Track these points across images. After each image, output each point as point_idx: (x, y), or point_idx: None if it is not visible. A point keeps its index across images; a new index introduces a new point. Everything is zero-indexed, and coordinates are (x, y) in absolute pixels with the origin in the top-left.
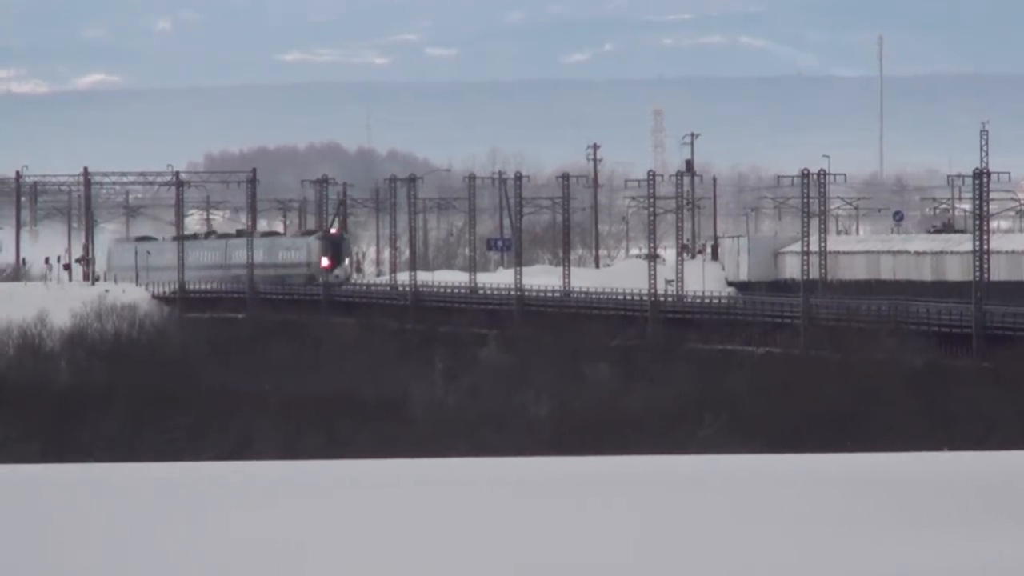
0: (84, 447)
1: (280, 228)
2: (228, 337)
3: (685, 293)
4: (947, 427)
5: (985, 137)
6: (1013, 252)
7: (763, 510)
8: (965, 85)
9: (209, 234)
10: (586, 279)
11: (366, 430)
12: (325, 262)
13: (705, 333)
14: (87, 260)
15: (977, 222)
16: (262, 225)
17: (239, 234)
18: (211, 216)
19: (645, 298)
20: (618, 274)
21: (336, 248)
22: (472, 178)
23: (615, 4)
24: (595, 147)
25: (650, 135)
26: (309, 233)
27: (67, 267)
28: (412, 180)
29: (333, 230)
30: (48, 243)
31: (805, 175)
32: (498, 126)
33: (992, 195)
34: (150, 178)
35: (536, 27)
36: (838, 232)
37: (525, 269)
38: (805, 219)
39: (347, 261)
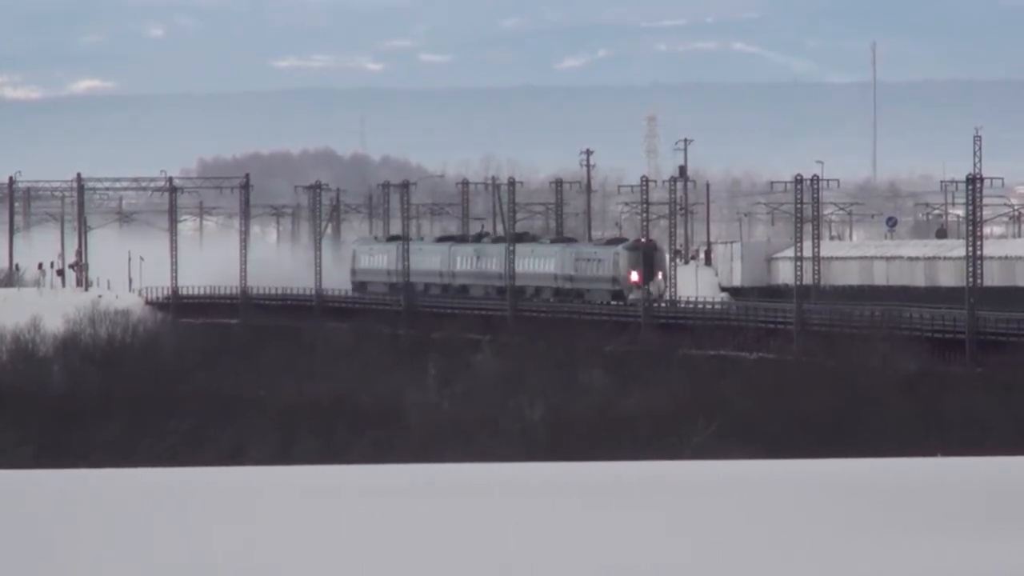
0: (79, 452)
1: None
2: (222, 343)
3: (678, 298)
4: (940, 432)
5: (978, 143)
6: (1006, 257)
7: (757, 515)
8: (958, 90)
9: (480, 236)
10: None
11: (361, 435)
12: (635, 276)
13: (698, 338)
14: (80, 265)
15: (970, 227)
16: (255, 232)
17: (519, 239)
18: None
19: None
20: None
21: (648, 260)
22: (466, 183)
23: (609, 10)
24: (588, 152)
25: (643, 141)
26: (616, 241)
27: (60, 272)
28: (405, 186)
29: (644, 239)
30: (41, 248)
31: (798, 181)
32: (492, 132)
33: (985, 200)
34: (143, 184)
35: (530, 33)
36: (831, 237)
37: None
38: (798, 224)
39: (659, 275)
